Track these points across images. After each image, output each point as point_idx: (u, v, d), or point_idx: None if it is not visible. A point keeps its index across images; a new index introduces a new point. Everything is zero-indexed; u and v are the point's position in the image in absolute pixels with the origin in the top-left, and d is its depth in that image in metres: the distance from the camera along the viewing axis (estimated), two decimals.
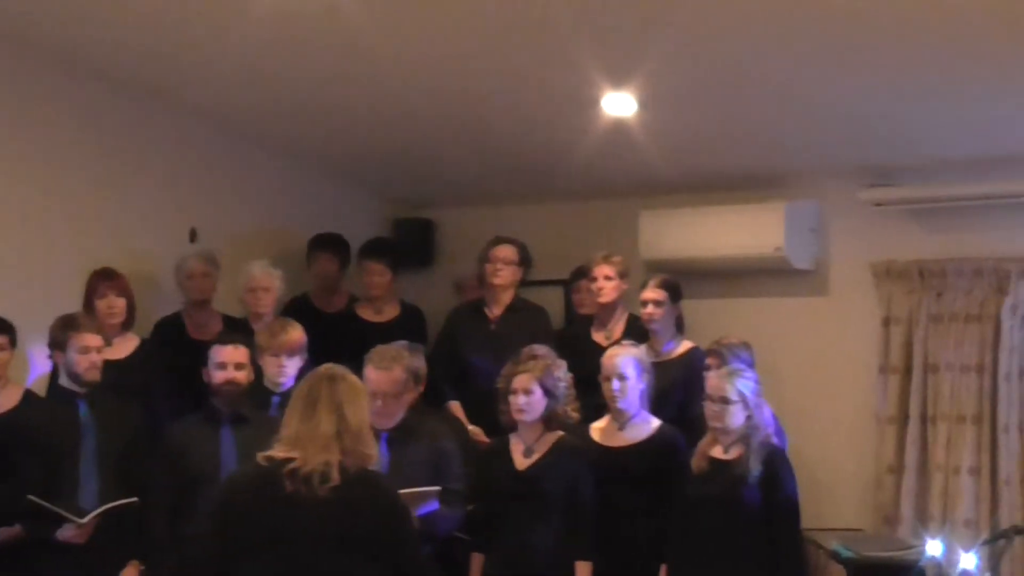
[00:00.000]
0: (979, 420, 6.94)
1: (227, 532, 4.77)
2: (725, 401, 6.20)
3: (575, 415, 6.52)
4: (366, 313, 7.96)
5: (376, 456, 5.02)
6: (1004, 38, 5.67)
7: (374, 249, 8.06)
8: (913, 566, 6.18)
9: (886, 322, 7.31)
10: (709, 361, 6.78)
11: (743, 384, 6.23)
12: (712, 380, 6.34)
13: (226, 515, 4.80)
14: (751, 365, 6.66)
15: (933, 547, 6.18)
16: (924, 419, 7.12)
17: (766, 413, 6.48)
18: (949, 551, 6.30)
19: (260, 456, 4.81)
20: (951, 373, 7.04)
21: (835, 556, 6.34)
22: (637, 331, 7.22)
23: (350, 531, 4.76)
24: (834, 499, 7.26)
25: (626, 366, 6.58)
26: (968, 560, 5.85)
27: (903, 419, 7.18)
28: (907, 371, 7.19)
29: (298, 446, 4.75)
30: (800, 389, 7.40)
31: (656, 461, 6.50)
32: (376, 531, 4.80)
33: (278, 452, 4.78)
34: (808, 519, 6.52)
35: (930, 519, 6.99)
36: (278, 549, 4.72)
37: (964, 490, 6.92)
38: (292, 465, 4.71)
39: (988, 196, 6.97)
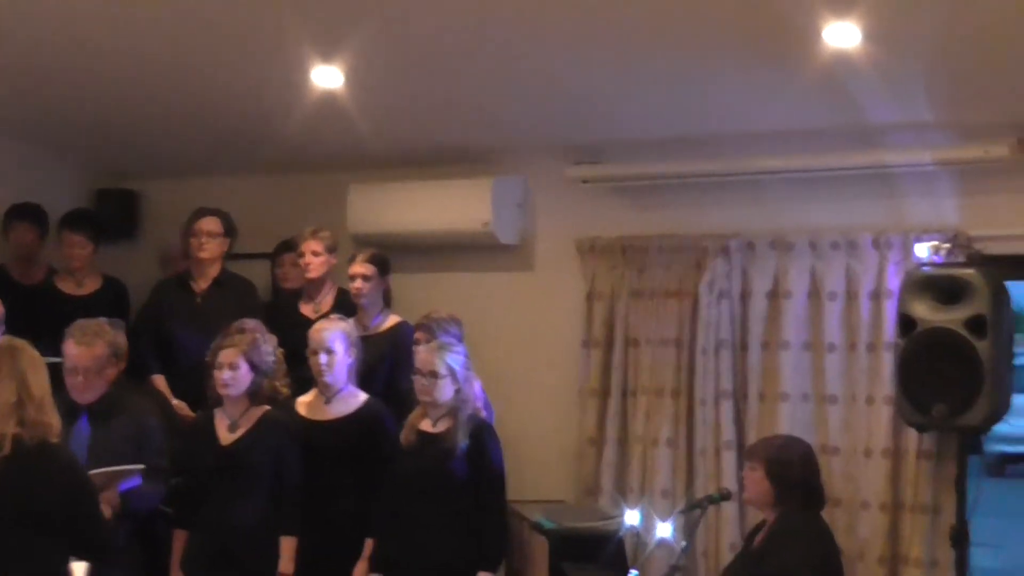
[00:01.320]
0: (677, 393, 7.06)
1: None
2: (434, 375, 6.27)
3: (285, 390, 6.53)
4: (66, 286, 7.74)
5: (57, 427, 4.94)
6: (703, 25, 5.82)
7: (75, 220, 7.82)
8: (612, 536, 6.27)
9: (590, 297, 7.37)
10: (418, 335, 6.82)
11: (452, 358, 6.30)
12: (421, 354, 6.39)
13: None
14: (460, 339, 6.72)
15: (631, 517, 6.28)
16: (624, 392, 7.23)
17: (475, 387, 6.56)
18: (647, 520, 6.44)
19: None
20: (651, 347, 7.14)
21: (537, 527, 6.41)
22: (346, 305, 7.23)
23: (23, 505, 4.72)
24: (538, 471, 7.33)
25: (334, 340, 6.60)
26: (664, 529, 6.00)
27: (604, 392, 7.27)
28: (609, 345, 7.28)
29: None
30: (507, 363, 7.45)
31: (363, 435, 6.54)
32: (52, 504, 4.76)
33: None
34: (513, 490, 6.65)
35: (629, 490, 7.09)
36: None
37: (661, 461, 7.02)
38: None
39: (688, 175, 7.12)
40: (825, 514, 6.23)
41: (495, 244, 7.54)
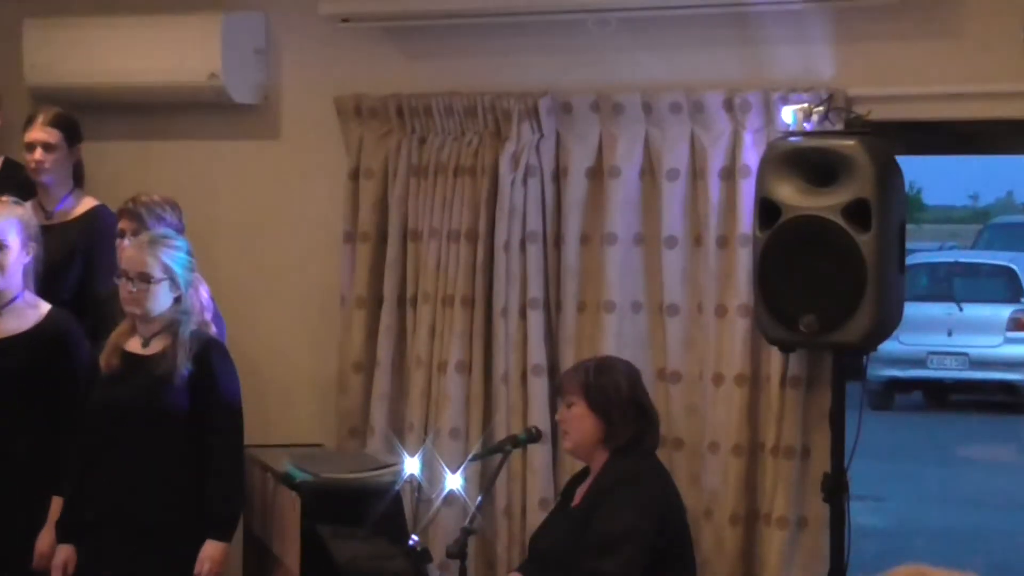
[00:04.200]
0: (471, 302, 7.12)
1: None
2: (146, 278, 6.27)
3: None
4: None
5: None
6: None
7: None
8: (386, 489, 6.33)
9: (355, 175, 7.38)
10: (122, 225, 6.82)
11: (170, 256, 6.32)
12: (128, 251, 6.41)
13: None
14: (180, 231, 6.73)
15: (411, 465, 6.39)
16: (402, 301, 7.28)
17: (202, 294, 6.57)
18: (431, 470, 6.57)
19: None
20: (436, 242, 7.20)
21: (287, 480, 6.47)
22: (15, 181, 7.24)
23: None
24: (287, 405, 7.41)
25: (5, 231, 6.60)
26: (454, 481, 6.17)
27: (375, 301, 7.31)
28: (381, 239, 7.33)
29: None
30: (244, 262, 7.49)
31: (45, 357, 6.60)
32: None
33: None
34: (254, 432, 6.70)
35: (408, 429, 7.17)
36: None
37: (452, 391, 7.08)
38: None
39: (484, 13, 7.14)
40: (662, 457, 6.41)
41: (226, 103, 7.51)
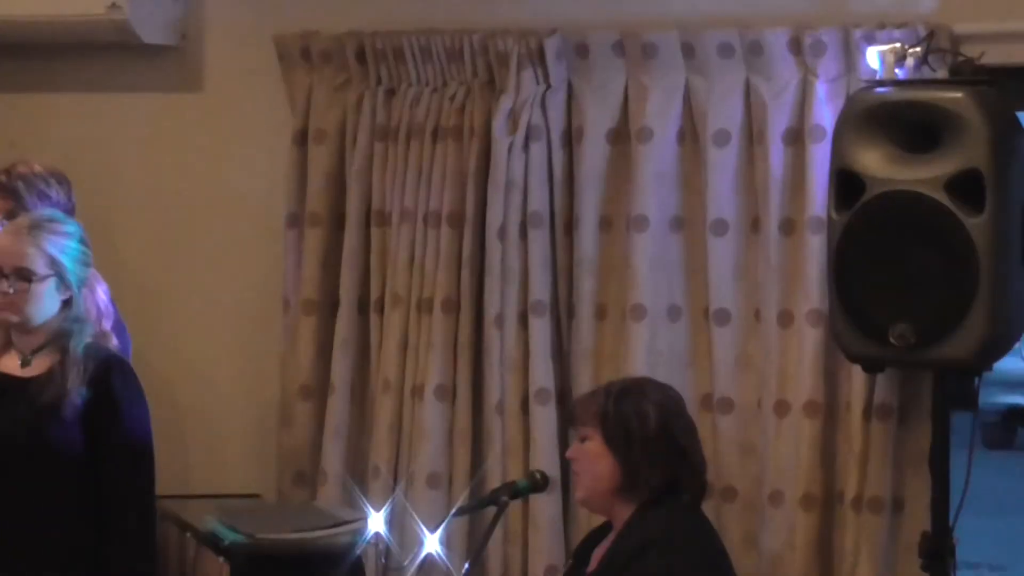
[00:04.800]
0: (455, 306, 7.09)
1: None
2: (25, 275, 6.11)
3: None
4: None
5: None
6: None
7: None
8: (343, 553, 6.33)
9: (301, 139, 7.38)
10: None
11: (58, 245, 6.16)
12: (1, 239, 6.28)
13: None
14: (70, 212, 6.68)
15: (376, 522, 6.35)
16: (365, 305, 7.28)
17: (100, 296, 6.48)
18: (402, 528, 6.63)
19: None
20: (410, 227, 7.17)
21: (213, 540, 6.44)
22: None
23: None
24: (213, 444, 7.43)
25: None
26: (433, 542, 6.09)
27: (329, 306, 7.32)
28: (337, 224, 7.33)
29: None
30: (156, 254, 7.50)
31: None
32: None
33: None
34: (169, 478, 6.61)
35: (372, 474, 7.14)
36: None
37: (430, 424, 7.04)
38: None
39: None
40: (708, 511, 6.20)
41: (133, 43, 7.50)
